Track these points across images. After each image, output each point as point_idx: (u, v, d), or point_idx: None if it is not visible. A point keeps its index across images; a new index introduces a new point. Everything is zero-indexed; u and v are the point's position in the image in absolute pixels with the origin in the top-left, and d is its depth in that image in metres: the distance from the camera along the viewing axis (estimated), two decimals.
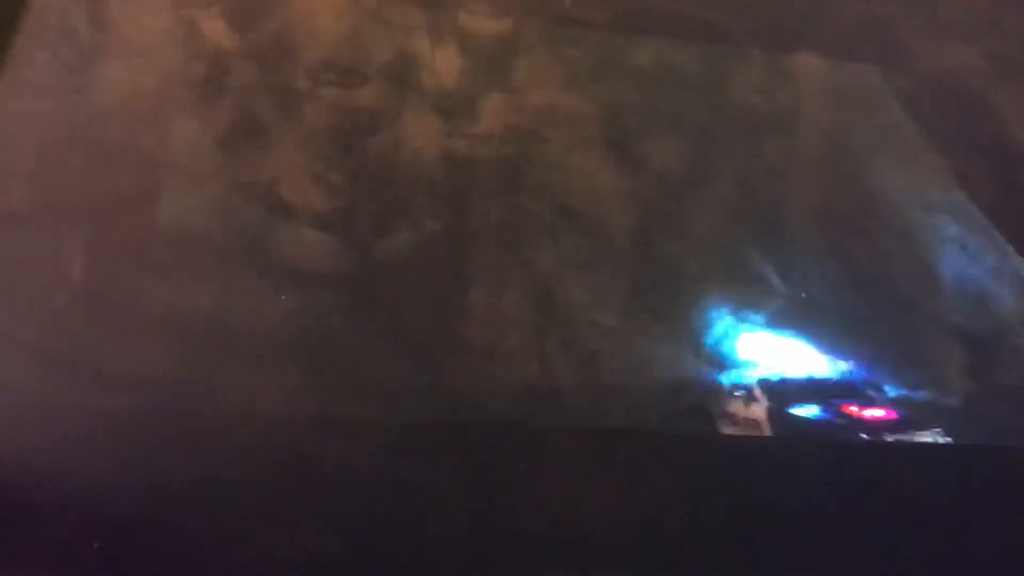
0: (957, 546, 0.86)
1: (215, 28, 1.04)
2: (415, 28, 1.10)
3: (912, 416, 0.95)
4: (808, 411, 0.94)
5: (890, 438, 0.93)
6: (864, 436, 0.93)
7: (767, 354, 0.97)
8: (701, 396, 0.93)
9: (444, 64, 1.08)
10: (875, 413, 0.94)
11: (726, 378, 0.94)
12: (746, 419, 0.92)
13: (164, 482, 0.79)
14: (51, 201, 0.91)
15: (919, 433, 0.94)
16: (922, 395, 0.96)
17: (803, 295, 1.00)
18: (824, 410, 0.94)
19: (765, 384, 0.94)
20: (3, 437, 0.79)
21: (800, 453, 0.90)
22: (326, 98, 1.02)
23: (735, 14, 1.23)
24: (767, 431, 0.92)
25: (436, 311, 0.93)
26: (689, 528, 0.83)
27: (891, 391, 0.96)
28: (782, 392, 0.94)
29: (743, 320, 0.98)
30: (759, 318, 0.98)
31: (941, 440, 0.94)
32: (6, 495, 0.75)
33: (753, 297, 1.00)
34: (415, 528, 0.80)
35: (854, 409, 0.94)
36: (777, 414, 0.93)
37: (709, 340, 0.96)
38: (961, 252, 1.08)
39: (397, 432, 0.85)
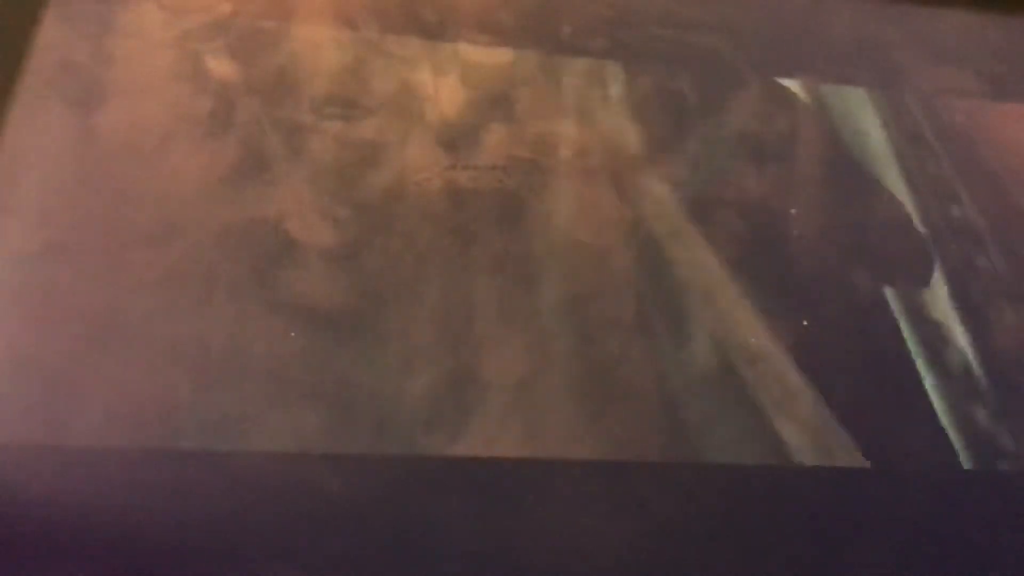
0: None
1: (219, 64, 1.05)
2: (417, 60, 1.11)
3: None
4: (812, 438, 0.95)
5: (894, 466, 0.94)
6: (877, 464, 0.94)
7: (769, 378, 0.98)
8: (707, 426, 0.94)
9: (446, 96, 1.09)
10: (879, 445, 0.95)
11: (730, 406, 0.95)
12: (747, 446, 0.93)
13: (171, 523, 0.80)
14: (58, 238, 0.92)
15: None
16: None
17: (804, 323, 1.02)
18: (828, 437, 0.95)
19: (770, 411, 0.96)
20: (9, 477, 0.79)
21: (809, 483, 0.91)
22: (330, 132, 1.03)
23: (732, 40, 1.24)
24: (772, 459, 0.93)
25: (443, 343, 0.93)
26: (695, 562, 0.84)
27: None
28: (789, 418, 0.95)
29: (748, 348, 0.99)
30: (763, 345, 1.00)
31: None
32: (10, 533, 0.76)
33: (755, 323, 1.01)
34: (424, 565, 0.81)
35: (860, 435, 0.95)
36: (780, 441, 0.94)
37: (714, 368, 0.97)
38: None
39: (405, 468, 0.86)
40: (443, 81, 1.10)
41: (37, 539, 0.76)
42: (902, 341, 1.02)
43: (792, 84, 1.23)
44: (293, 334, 0.89)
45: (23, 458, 0.80)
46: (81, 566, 0.76)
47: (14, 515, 0.77)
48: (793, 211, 1.10)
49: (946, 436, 0.96)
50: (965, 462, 0.95)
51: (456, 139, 1.06)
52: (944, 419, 0.98)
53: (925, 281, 1.08)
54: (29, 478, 0.79)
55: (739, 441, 0.92)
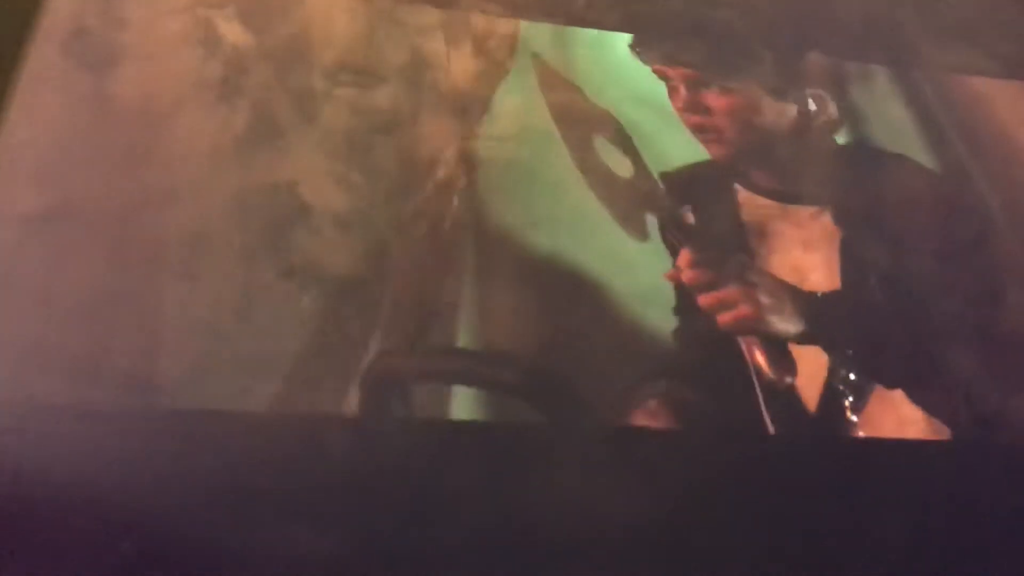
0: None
1: (231, 29, 1.04)
2: (429, 29, 1.11)
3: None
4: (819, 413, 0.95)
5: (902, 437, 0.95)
6: (882, 435, 0.94)
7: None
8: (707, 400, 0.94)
9: (458, 65, 1.09)
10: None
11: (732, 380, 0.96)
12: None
13: (185, 484, 0.79)
14: (68, 202, 0.92)
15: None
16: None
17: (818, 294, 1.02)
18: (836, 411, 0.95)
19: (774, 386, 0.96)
20: (20, 441, 0.79)
21: (814, 453, 0.92)
22: (343, 99, 1.03)
23: (746, 17, 1.24)
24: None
25: (454, 310, 0.93)
26: (706, 528, 0.84)
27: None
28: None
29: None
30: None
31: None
32: (28, 499, 0.76)
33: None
34: (434, 529, 0.80)
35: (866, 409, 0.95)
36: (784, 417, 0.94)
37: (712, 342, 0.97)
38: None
39: (416, 432, 0.86)
40: (456, 51, 1.10)
41: (40, 498, 0.76)
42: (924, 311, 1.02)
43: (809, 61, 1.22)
44: (305, 298, 0.89)
45: (26, 416, 0.80)
46: (87, 526, 0.76)
47: (13, 474, 0.77)
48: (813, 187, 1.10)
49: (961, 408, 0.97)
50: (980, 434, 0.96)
51: (468, 108, 1.06)
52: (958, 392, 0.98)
53: (941, 255, 1.08)
54: (30, 437, 0.79)
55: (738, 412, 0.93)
